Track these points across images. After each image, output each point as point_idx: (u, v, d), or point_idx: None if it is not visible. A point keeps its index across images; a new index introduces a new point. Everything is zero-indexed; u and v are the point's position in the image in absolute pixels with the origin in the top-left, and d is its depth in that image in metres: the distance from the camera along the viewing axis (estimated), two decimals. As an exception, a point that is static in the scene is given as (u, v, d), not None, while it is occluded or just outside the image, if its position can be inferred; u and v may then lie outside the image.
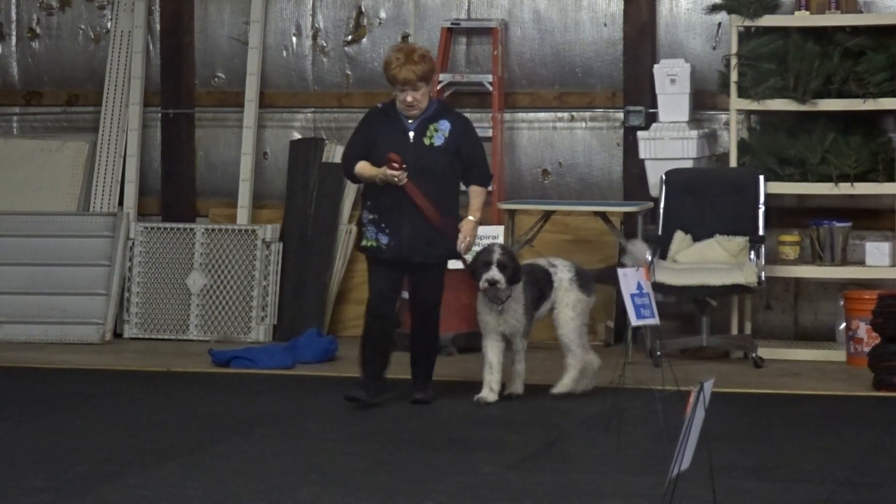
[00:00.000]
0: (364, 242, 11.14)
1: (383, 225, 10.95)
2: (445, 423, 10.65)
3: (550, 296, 11.37)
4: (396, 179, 10.75)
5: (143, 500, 8.87)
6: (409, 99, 10.90)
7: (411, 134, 11.02)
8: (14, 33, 15.32)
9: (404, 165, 10.76)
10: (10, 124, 15.35)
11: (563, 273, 11.39)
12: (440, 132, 11.06)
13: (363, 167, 10.97)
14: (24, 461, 9.77)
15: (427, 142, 11.00)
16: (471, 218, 11.12)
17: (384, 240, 10.96)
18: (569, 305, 11.35)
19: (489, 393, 11.11)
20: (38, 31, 15.28)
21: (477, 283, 11.05)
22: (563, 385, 11.40)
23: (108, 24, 14.99)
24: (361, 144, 11.10)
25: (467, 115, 14.18)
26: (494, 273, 10.85)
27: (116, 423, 11.00)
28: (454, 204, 11.11)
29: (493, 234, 13.08)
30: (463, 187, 11.33)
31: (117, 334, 14.27)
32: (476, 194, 11.24)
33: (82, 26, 15.17)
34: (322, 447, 9.84)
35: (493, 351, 11.16)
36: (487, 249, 10.99)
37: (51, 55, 15.27)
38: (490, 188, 11.81)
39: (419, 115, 11.01)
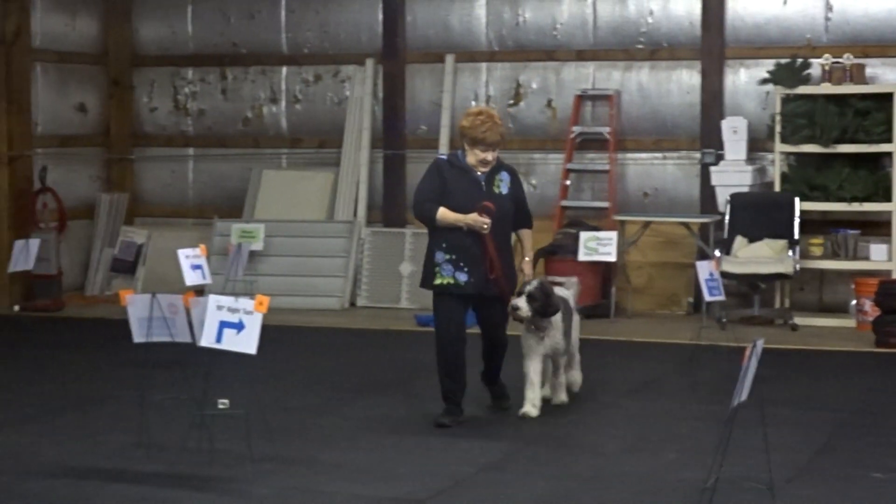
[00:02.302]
0: (439, 281, 8.69)
1: (462, 264, 8.65)
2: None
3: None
4: (486, 227, 8.61)
5: (375, 415, 8.94)
6: (489, 158, 8.68)
7: (483, 184, 8.72)
8: (284, 98, 15.48)
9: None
10: (280, 160, 15.50)
11: (571, 302, 9.41)
12: (504, 182, 8.81)
13: (445, 213, 8.61)
14: (287, 389, 9.90)
15: (496, 190, 8.75)
16: (527, 259, 9.00)
17: (462, 277, 8.64)
18: (575, 328, 9.41)
19: (531, 408, 8.87)
20: (300, 96, 15.42)
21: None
22: (576, 383, 9.53)
23: (347, 92, 15.10)
24: (435, 191, 8.69)
25: (591, 155, 14.28)
26: (519, 301, 8.72)
27: (350, 364, 11.09)
28: (511, 243, 8.95)
29: (609, 238, 13.05)
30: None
31: (352, 304, 14.35)
32: (527, 237, 9.09)
33: (329, 93, 15.29)
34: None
35: (534, 370, 8.89)
36: (527, 283, 8.85)
37: (308, 113, 15.40)
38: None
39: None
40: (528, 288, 8.76)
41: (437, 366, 8.77)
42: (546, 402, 9.07)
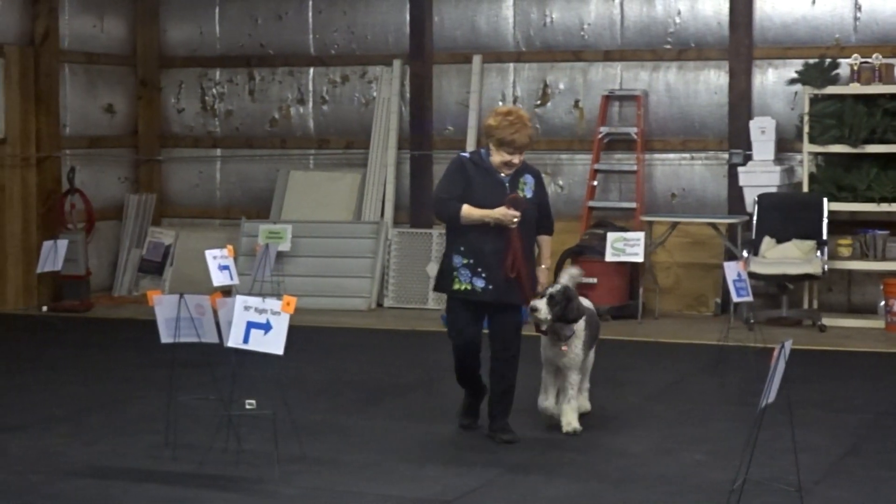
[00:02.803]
0: (456, 286, 8.17)
1: (479, 270, 8.13)
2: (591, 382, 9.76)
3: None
4: (515, 221, 8.10)
5: (402, 415, 8.94)
6: (515, 161, 8.20)
7: (507, 186, 8.21)
8: (311, 99, 15.50)
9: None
10: (307, 161, 15.52)
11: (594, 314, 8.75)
12: (528, 185, 8.28)
13: (470, 210, 8.09)
14: (314, 390, 9.91)
15: (520, 193, 8.23)
16: (544, 266, 8.41)
17: (480, 283, 8.13)
18: (592, 348, 8.77)
19: (569, 423, 8.36)
20: (327, 97, 15.44)
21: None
22: (584, 406, 8.80)
23: (374, 93, 15.12)
24: (458, 189, 8.18)
25: (618, 156, 14.27)
26: (538, 302, 8.15)
27: (377, 364, 11.09)
28: (534, 249, 8.43)
29: (636, 238, 13.03)
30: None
31: (379, 304, 14.37)
32: (546, 243, 8.48)
33: (357, 94, 15.31)
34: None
35: (551, 382, 8.42)
36: (550, 286, 8.30)
37: (335, 114, 15.42)
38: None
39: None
40: (551, 290, 8.23)
41: (456, 374, 8.48)
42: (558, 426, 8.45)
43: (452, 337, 8.34)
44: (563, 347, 8.31)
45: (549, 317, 8.17)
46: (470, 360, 8.33)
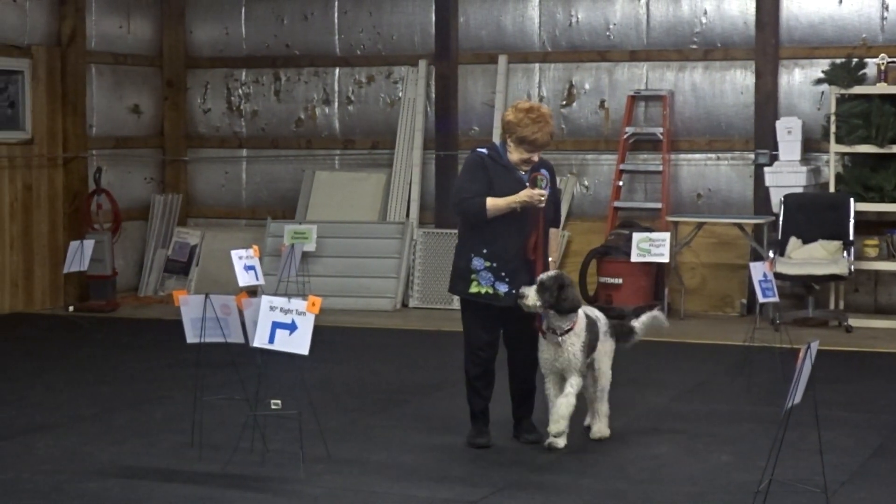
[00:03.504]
0: (476, 289, 7.93)
1: (503, 273, 7.90)
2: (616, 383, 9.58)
3: (597, 346, 8.14)
4: (543, 198, 7.86)
5: (427, 415, 8.95)
6: (535, 158, 7.95)
7: (527, 184, 7.93)
8: (336, 100, 15.53)
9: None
10: (333, 161, 15.55)
11: (601, 325, 8.20)
12: (545, 179, 7.97)
13: (495, 201, 7.83)
14: (339, 390, 9.92)
15: (539, 187, 7.92)
16: (551, 259, 8.11)
17: (503, 288, 7.89)
18: (607, 354, 8.23)
19: (555, 439, 7.98)
20: (353, 98, 15.46)
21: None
22: (603, 431, 8.28)
23: (400, 94, 15.13)
24: (481, 187, 7.90)
25: (644, 156, 14.25)
26: (526, 288, 7.75)
27: (402, 364, 11.11)
28: (548, 244, 8.09)
29: (662, 239, 13.01)
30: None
31: (404, 304, 14.38)
32: (554, 235, 8.17)
33: (382, 95, 15.33)
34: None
35: (554, 393, 7.98)
36: (546, 273, 7.88)
37: (361, 114, 15.45)
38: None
39: None
40: (541, 277, 7.78)
41: (466, 379, 8.18)
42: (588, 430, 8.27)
43: (469, 340, 8.11)
44: (558, 340, 7.85)
45: (537, 303, 7.75)
46: (488, 364, 8.09)
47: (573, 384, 7.92)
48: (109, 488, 7.20)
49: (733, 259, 13.69)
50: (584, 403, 8.24)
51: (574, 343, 7.90)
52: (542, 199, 7.87)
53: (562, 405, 7.90)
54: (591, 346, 8.05)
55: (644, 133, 14.12)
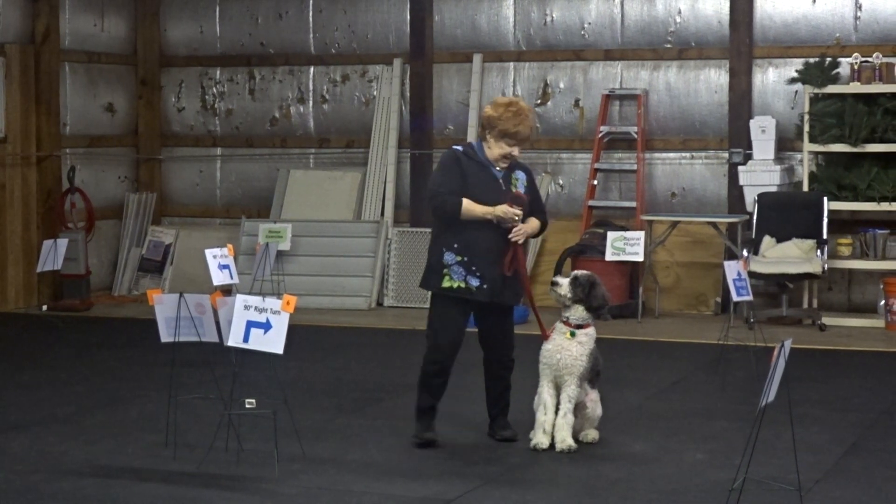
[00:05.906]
0: (448, 283, 7.86)
1: (474, 268, 7.82)
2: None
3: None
4: (517, 219, 7.83)
5: (403, 414, 8.94)
6: (515, 153, 7.90)
7: (501, 181, 7.92)
8: (311, 99, 15.51)
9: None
10: (308, 160, 15.53)
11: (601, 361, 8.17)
12: (520, 181, 7.96)
13: (472, 205, 7.78)
14: (314, 389, 9.90)
15: (513, 189, 7.92)
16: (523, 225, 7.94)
17: (475, 282, 7.83)
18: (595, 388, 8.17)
19: (542, 437, 7.90)
20: (327, 96, 15.45)
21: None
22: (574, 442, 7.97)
23: (374, 92, 15.13)
24: (455, 184, 7.86)
25: (619, 155, 14.27)
26: (561, 278, 7.90)
27: (377, 363, 11.10)
28: (527, 248, 7.83)
29: (636, 238, 13.03)
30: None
31: (379, 303, 14.37)
32: (533, 221, 8.02)
33: (357, 93, 15.32)
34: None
35: (548, 393, 7.88)
36: (580, 270, 8.04)
37: (335, 113, 15.43)
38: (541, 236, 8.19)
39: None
40: (576, 272, 7.90)
41: (422, 375, 8.04)
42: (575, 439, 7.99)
43: (434, 336, 7.99)
44: (568, 335, 7.85)
45: (569, 295, 7.85)
46: (449, 362, 7.99)
47: (570, 396, 7.88)
48: (84, 488, 7.17)
49: (707, 258, 13.73)
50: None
51: (583, 342, 7.89)
52: (516, 219, 7.83)
53: (562, 427, 7.87)
54: (594, 368, 8.00)
55: (619, 132, 14.14)
